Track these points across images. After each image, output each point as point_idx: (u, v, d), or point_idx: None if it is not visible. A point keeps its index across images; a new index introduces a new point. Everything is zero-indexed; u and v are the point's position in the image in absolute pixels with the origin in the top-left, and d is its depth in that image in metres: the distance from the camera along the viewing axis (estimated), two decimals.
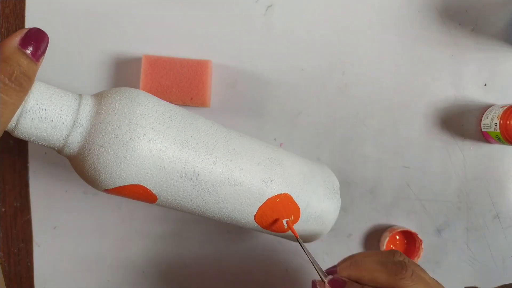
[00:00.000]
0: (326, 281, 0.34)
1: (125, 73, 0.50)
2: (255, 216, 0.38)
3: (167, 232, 0.52)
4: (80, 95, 0.32)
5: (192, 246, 0.52)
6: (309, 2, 0.50)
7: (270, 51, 0.50)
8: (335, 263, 0.38)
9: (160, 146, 0.33)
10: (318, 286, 0.35)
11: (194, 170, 0.34)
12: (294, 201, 0.39)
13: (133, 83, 0.50)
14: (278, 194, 0.38)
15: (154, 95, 0.48)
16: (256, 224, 0.39)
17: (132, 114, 0.32)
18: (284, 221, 0.39)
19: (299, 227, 0.41)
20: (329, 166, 0.51)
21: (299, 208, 0.39)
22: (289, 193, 0.39)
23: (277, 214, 0.39)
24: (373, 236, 0.52)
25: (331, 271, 0.36)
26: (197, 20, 0.50)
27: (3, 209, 0.51)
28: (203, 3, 0.50)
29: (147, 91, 0.48)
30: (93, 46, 0.50)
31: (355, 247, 0.52)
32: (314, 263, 0.36)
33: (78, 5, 0.50)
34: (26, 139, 0.30)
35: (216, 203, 0.36)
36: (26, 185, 0.51)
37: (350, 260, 0.36)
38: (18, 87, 0.27)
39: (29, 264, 0.51)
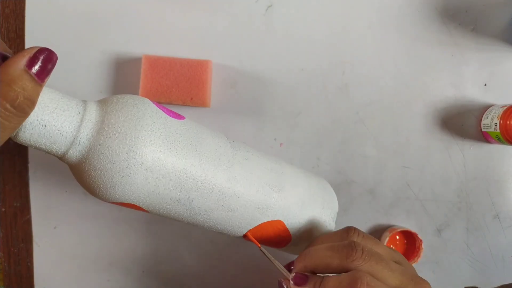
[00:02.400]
0: (290, 277, 0.34)
1: (125, 73, 0.50)
2: (243, 235, 0.38)
3: (167, 232, 0.52)
4: (85, 107, 0.31)
5: (192, 246, 0.52)
6: (309, 2, 0.50)
7: (270, 51, 0.50)
8: None
9: (157, 175, 0.31)
10: (284, 285, 0.35)
11: (189, 197, 0.33)
12: (286, 227, 0.38)
13: (133, 83, 0.50)
14: (270, 221, 0.37)
15: (154, 95, 0.48)
16: (243, 239, 0.39)
17: (132, 141, 0.31)
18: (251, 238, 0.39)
19: (288, 248, 0.41)
20: (329, 166, 0.51)
21: (290, 234, 0.39)
22: (282, 220, 0.38)
23: (266, 236, 0.38)
24: (373, 236, 0.52)
25: (289, 267, 0.37)
26: (197, 20, 0.50)
27: (3, 209, 0.51)
28: (203, 3, 0.50)
29: (147, 91, 0.48)
30: (93, 46, 0.50)
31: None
32: (274, 262, 0.36)
33: (78, 5, 0.50)
34: (25, 145, 0.30)
35: (206, 223, 0.36)
36: (26, 185, 0.51)
37: (304, 251, 0.36)
38: (21, 113, 0.25)
39: (29, 264, 0.51)
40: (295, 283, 0.34)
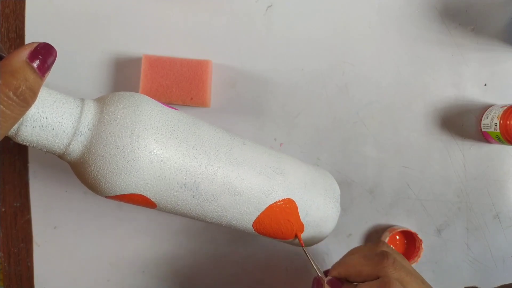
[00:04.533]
0: (325, 280, 0.36)
1: (125, 73, 0.50)
2: (253, 223, 0.38)
3: (167, 232, 0.52)
4: (82, 101, 0.32)
5: (192, 246, 0.52)
6: (309, 2, 0.50)
7: (270, 51, 0.50)
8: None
9: (162, 158, 0.32)
10: (319, 284, 0.37)
11: (195, 180, 0.34)
12: (294, 208, 0.39)
13: (133, 83, 0.50)
14: (277, 202, 0.38)
15: (154, 95, 0.48)
16: (254, 232, 0.39)
17: (134, 125, 0.31)
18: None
19: (300, 238, 0.41)
20: (329, 166, 0.51)
21: (298, 215, 0.39)
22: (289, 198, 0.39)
23: (275, 222, 0.39)
24: (373, 236, 0.52)
25: (326, 272, 0.39)
26: (197, 20, 0.50)
27: (3, 209, 0.51)
28: (203, 3, 0.50)
29: (147, 91, 0.48)
30: (94, 46, 0.50)
31: (355, 247, 0.52)
32: (315, 265, 0.38)
33: (78, 5, 0.50)
34: (27, 145, 0.30)
35: (215, 211, 0.36)
36: (26, 185, 0.51)
37: (339, 260, 0.38)
38: (22, 102, 0.26)
39: (29, 264, 0.51)
40: (331, 286, 0.36)
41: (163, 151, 0.32)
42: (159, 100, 0.48)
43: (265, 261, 0.52)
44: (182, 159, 0.33)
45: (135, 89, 0.50)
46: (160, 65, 0.48)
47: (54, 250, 0.51)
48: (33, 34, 0.50)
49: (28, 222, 0.51)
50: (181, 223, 0.51)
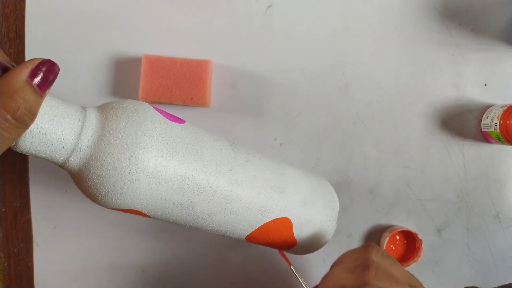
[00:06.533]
0: None
1: (125, 73, 0.50)
2: (246, 237, 0.38)
3: (167, 232, 0.52)
4: (84, 114, 0.31)
5: (192, 246, 0.52)
6: (309, 2, 0.50)
7: (270, 51, 0.50)
8: None
9: (160, 180, 0.32)
10: None
11: (191, 201, 0.33)
12: (288, 227, 0.39)
13: (133, 83, 0.50)
14: (273, 221, 0.37)
15: (154, 95, 0.48)
16: (246, 242, 0.39)
17: (134, 147, 0.31)
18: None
19: (291, 251, 0.41)
20: (329, 166, 0.51)
21: (293, 235, 0.39)
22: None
23: (268, 237, 0.38)
24: (373, 236, 0.52)
25: None
26: (197, 20, 0.50)
27: (3, 209, 0.51)
28: (203, 3, 0.50)
29: (147, 91, 0.48)
30: (94, 46, 0.50)
31: (355, 247, 0.52)
32: (302, 281, 0.38)
33: (78, 5, 0.50)
34: (26, 154, 0.30)
35: (209, 226, 0.36)
36: (26, 185, 0.51)
37: (326, 273, 0.36)
38: (21, 125, 0.25)
39: (29, 264, 0.51)
40: None
41: (162, 174, 0.31)
42: (159, 100, 0.48)
43: (265, 262, 0.52)
44: (181, 181, 0.32)
45: (135, 89, 0.50)
46: (160, 65, 0.48)
47: (54, 250, 0.51)
48: (33, 34, 0.50)
49: (28, 222, 0.51)
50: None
